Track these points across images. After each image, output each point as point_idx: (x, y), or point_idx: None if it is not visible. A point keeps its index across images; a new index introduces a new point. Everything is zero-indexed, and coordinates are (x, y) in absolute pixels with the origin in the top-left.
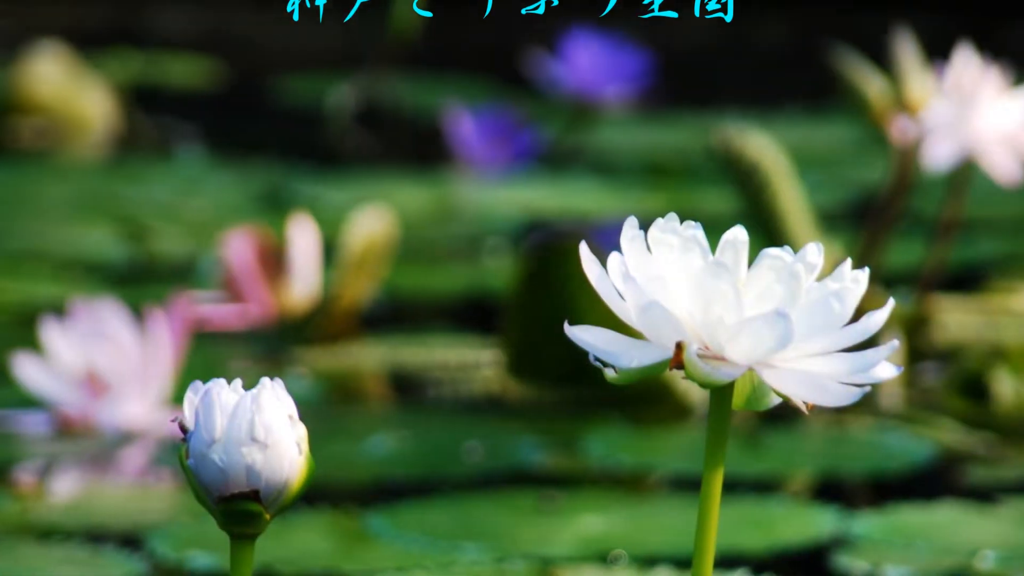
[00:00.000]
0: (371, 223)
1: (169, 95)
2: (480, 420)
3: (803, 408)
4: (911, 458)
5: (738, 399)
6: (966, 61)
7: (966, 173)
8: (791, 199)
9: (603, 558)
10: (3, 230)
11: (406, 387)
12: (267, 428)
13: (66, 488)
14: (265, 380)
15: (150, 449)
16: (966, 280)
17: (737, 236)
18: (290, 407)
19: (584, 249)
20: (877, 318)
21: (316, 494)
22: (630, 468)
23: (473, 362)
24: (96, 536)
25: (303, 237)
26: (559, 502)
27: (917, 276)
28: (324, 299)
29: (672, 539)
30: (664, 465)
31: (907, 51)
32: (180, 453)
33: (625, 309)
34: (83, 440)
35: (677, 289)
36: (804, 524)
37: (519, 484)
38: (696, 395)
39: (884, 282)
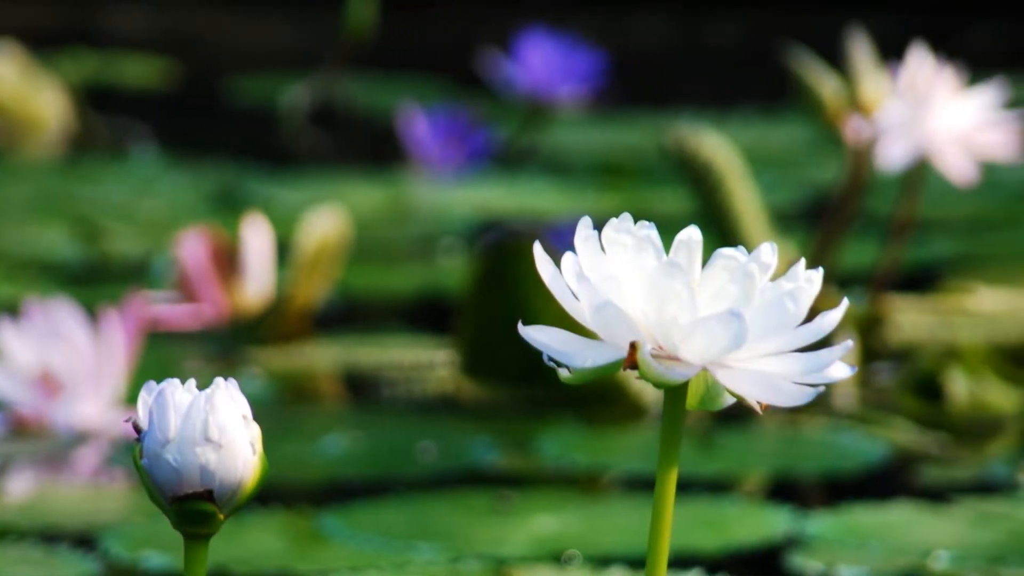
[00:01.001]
0: (325, 223)
1: (124, 95)
2: (434, 420)
3: (757, 408)
4: (865, 458)
5: (692, 399)
6: (920, 61)
7: (920, 173)
8: (745, 199)
9: (557, 558)
10: None
11: (360, 387)
12: (221, 428)
13: (20, 488)
14: (219, 380)
15: (104, 449)
16: (920, 280)
17: (691, 236)
18: (244, 407)
19: (538, 249)
20: (831, 318)
21: (270, 494)
22: (584, 468)
23: (427, 362)
24: (50, 536)
25: (257, 237)
26: (513, 502)
27: (871, 276)
28: (278, 299)
29: (626, 539)
30: (618, 465)
31: (861, 51)
32: (134, 453)
33: (579, 309)
34: (37, 440)
35: (631, 289)
36: (758, 524)
37: (473, 484)
38: (650, 395)
39: (838, 282)
